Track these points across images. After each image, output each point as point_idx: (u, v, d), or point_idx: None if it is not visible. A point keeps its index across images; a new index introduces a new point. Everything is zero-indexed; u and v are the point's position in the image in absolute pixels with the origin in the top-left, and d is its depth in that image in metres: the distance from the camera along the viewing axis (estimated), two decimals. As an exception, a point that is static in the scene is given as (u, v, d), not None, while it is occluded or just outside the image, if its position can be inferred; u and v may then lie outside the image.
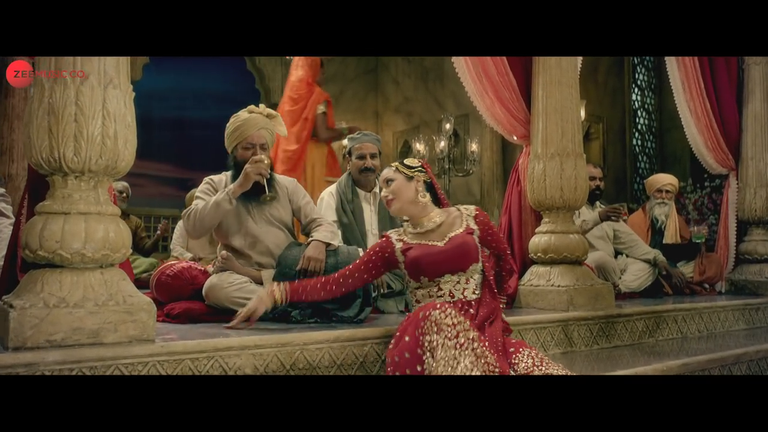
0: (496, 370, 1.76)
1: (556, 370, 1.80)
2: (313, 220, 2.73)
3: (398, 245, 2.15)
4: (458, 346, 1.72)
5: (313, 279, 2.23)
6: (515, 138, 3.49)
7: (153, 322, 1.85)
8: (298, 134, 4.45)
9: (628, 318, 3.10)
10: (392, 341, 1.91)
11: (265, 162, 2.52)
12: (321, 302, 2.39)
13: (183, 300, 2.57)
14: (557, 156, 3.12)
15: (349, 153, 3.26)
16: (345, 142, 4.23)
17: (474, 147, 6.57)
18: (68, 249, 1.73)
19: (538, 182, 3.16)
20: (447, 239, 2.11)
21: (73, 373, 1.62)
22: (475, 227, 2.16)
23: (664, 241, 4.41)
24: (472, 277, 2.11)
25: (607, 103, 7.53)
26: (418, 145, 6.99)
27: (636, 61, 8.03)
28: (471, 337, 1.76)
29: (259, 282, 2.52)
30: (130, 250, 1.96)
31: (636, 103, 8.03)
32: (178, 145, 8.40)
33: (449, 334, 1.74)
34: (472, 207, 2.21)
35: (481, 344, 1.77)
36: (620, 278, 4.02)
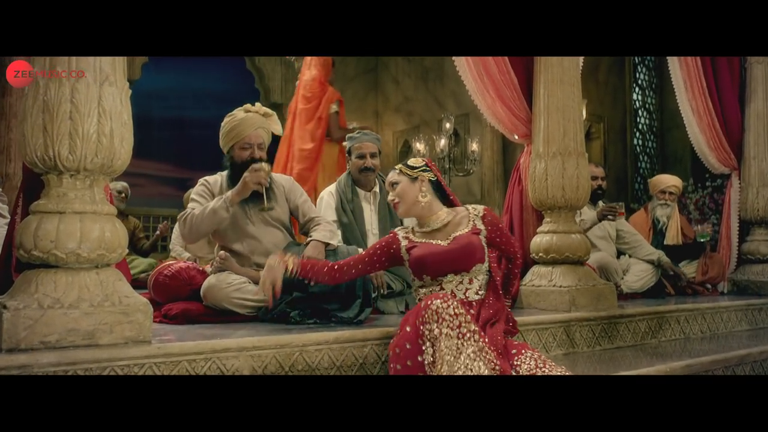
0: (497, 367, 1.74)
1: (559, 372, 1.78)
2: (311, 219, 2.70)
3: (404, 243, 2.15)
4: (460, 336, 1.73)
5: (321, 261, 2.23)
6: (516, 137, 3.46)
7: (149, 323, 1.82)
8: (313, 132, 4.47)
9: (631, 319, 3.07)
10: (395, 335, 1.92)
11: (265, 170, 2.47)
12: (320, 303, 2.37)
13: (181, 300, 2.54)
14: (559, 155, 3.10)
15: (349, 152, 3.24)
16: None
17: (474, 146, 6.54)
18: (63, 249, 1.70)
19: (540, 181, 3.13)
20: (451, 239, 2.10)
21: (68, 375, 1.59)
22: (482, 227, 2.13)
23: (665, 242, 4.39)
24: (476, 277, 2.09)
25: (608, 103, 7.50)
26: (418, 144, 6.95)
27: (637, 61, 8.00)
28: (472, 329, 1.76)
29: (258, 282, 2.49)
30: (127, 250, 1.93)
31: (637, 102, 7.99)
32: (178, 145, 8.37)
33: (451, 324, 1.74)
34: (481, 207, 2.19)
35: (482, 339, 1.77)
36: (622, 278, 4.00)
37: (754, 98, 4.55)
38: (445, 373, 1.67)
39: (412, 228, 2.21)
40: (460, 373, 1.66)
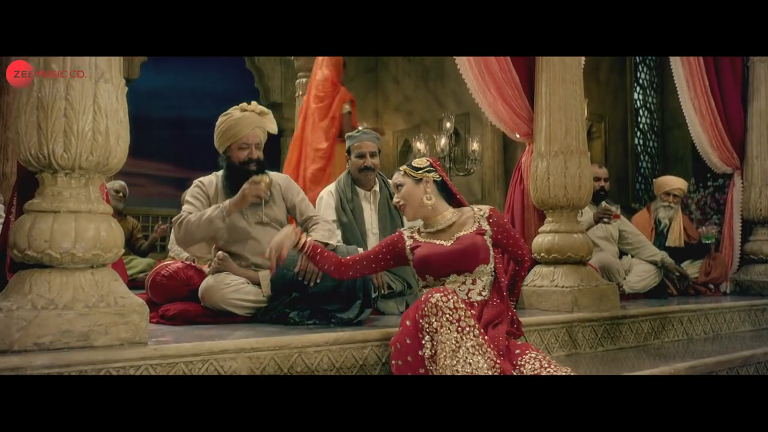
0: (497, 365, 1.73)
1: (564, 372, 1.75)
2: (309, 218, 2.67)
3: (408, 242, 2.14)
4: (459, 330, 1.74)
5: (332, 252, 2.22)
6: (518, 135, 3.43)
7: (145, 324, 1.79)
8: (327, 130, 4.48)
9: (634, 319, 3.04)
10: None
11: (266, 182, 2.42)
12: (320, 303, 2.34)
13: (178, 301, 2.52)
14: (561, 154, 3.07)
15: (348, 151, 3.20)
16: None
17: (475, 146, 6.51)
18: (57, 248, 1.67)
19: (542, 181, 3.10)
20: (454, 239, 2.08)
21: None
22: (487, 228, 2.11)
23: (666, 244, 4.36)
24: (479, 278, 2.06)
25: (609, 102, 7.47)
26: (418, 144, 6.92)
27: (638, 60, 7.96)
28: (472, 324, 1.76)
29: (256, 283, 2.47)
30: (123, 250, 1.90)
31: (638, 101, 7.96)
32: (177, 145, 8.34)
33: (450, 318, 1.75)
34: (487, 207, 2.17)
35: (481, 336, 1.77)
36: (624, 279, 3.97)
37: (757, 97, 4.52)
38: (443, 367, 1.67)
39: (418, 228, 2.20)
40: (458, 366, 1.67)
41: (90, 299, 1.69)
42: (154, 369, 1.70)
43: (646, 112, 8.12)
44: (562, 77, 3.09)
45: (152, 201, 7.94)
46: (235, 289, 2.42)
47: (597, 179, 3.91)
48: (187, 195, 2.61)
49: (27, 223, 1.69)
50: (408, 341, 1.80)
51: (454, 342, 1.71)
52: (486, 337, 1.79)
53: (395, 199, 2.22)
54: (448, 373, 1.66)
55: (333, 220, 3.00)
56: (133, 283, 3.92)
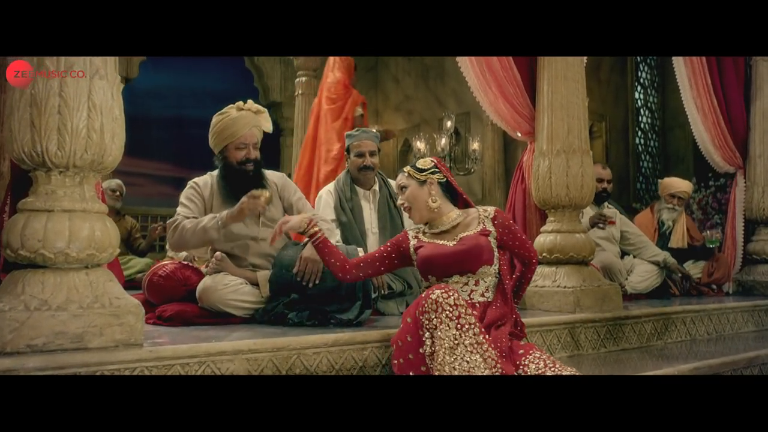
0: (498, 365, 1.72)
1: (568, 372, 1.73)
2: (306, 216, 2.63)
3: (413, 242, 2.13)
4: (459, 327, 1.73)
5: (339, 250, 2.19)
6: (519, 134, 3.41)
7: (141, 325, 1.76)
8: (340, 131, 4.47)
9: (636, 320, 3.01)
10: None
11: (265, 196, 2.34)
12: (319, 304, 2.31)
13: (176, 302, 2.49)
14: (563, 153, 3.04)
15: (348, 151, 3.17)
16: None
17: (475, 145, 6.47)
18: (51, 248, 1.64)
19: (543, 180, 3.07)
20: (458, 240, 2.06)
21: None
22: (491, 229, 2.08)
23: (668, 245, 4.32)
24: (482, 279, 2.03)
25: (610, 102, 7.44)
26: (418, 143, 6.88)
27: (639, 59, 7.93)
28: (472, 322, 1.75)
29: (255, 283, 2.44)
30: (118, 250, 1.87)
31: (639, 101, 7.93)
32: (176, 144, 8.30)
33: (450, 314, 1.74)
34: (492, 208, 2.14)
35: (482, 335, 1.75)
36: (626, 279, 3.93)
37: (760, 96, 4.49)
38: (441, 364, 1.66)
39: (423, 228, 2.18)
40: (456, 364, 1.66)
41: (84, 300, 1.66)
42: (150, 371, 1.67)
43: (647, 112, 8.09)
44: (564, 75, 3.06)
45: (151, 201, 7.91)
46: (233, 289, 2.39)
47: (600, 180, 3.87)
48: (182, 196, 2.57)
49: (20, 223, 1.66)
50: (409, 338, 1.80)
51: (452, 339, 1.70)
52: (487, 337, 1.77)
53: (399, 201, 2.20)
54: (446, 370, 1.65)
55: (332, 220, 2.97)
56: (132, 283, 3.89)
